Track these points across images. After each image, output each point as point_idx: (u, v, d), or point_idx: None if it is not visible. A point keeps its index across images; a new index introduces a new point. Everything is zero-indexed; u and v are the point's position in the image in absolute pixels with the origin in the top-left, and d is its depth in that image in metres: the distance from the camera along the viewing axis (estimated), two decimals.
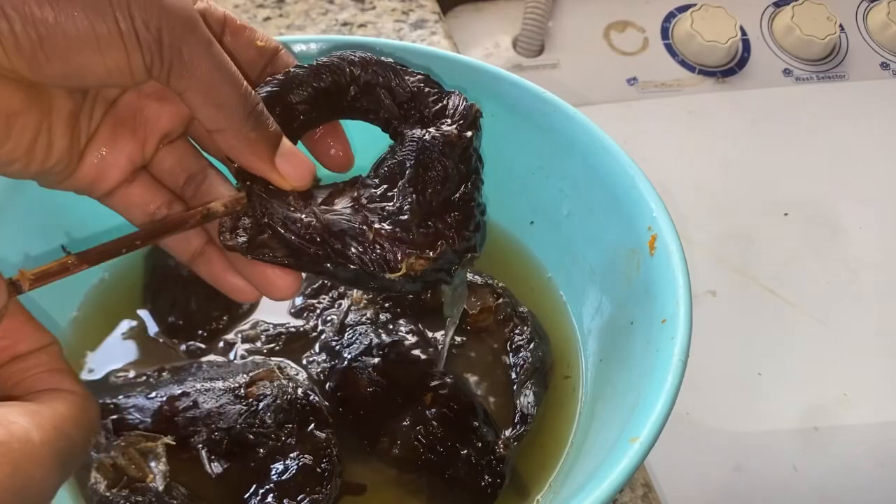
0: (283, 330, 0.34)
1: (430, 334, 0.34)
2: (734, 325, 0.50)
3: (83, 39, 0.21)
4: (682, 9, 0.61)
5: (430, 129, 0.28)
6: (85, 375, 0.33)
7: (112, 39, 0.22)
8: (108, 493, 0.27)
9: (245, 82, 0.25)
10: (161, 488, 0.27)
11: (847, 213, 0.55)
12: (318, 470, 0.28)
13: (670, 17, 0.61)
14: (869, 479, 0.47)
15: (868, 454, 0.47)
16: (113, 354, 0.34)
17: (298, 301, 0.36)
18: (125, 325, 0.35)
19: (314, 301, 0.36)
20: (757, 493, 0.46)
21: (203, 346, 0.34)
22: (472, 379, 0.34)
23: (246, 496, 0.28)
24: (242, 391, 0.29)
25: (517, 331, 0.34)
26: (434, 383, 0.31)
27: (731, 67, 0.60)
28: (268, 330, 0.34)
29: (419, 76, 0.29)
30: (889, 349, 0.50)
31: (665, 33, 0.61)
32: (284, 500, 0.27)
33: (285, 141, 0.26)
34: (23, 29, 0.21)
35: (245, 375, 0.30)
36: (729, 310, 0.50)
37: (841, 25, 0.60)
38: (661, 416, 0.26)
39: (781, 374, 0.48)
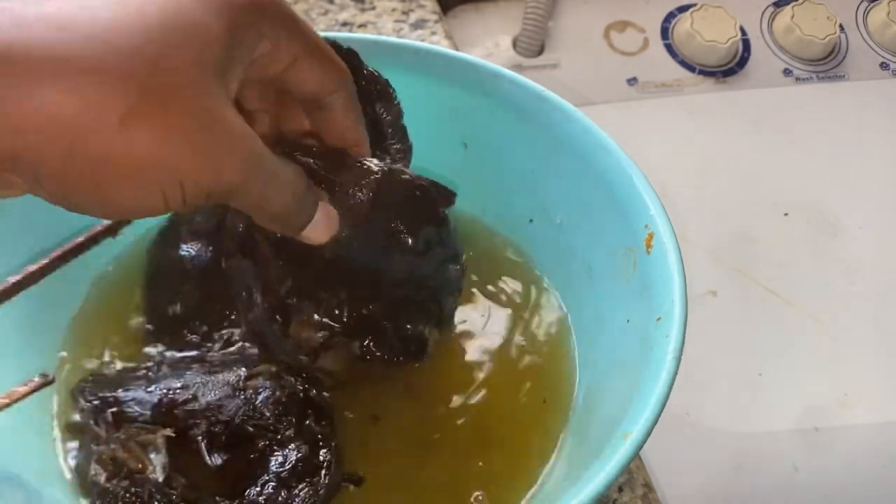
0: None
1: None
2: (734, 326, 0.50)
3: None
4: (683, 9, 0.61)
5: None
6: (89, 371, 0.33)
7: None
8: (108, 485, 0.27)
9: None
10: (161, 479, 0.27)
11: (847, 213, 0.55)
12: (317, 460, 0.28)
13: (670, 17, 0.61)
14: (870, 480, 0.47)
15: (869, 454, 0.47)
16: (114, 348, 0.35)
17: None
18: (127, 318, 0.36)
19: None
20: (757, 493, 0.46)
21: (203, 339, 0.34)
22: None
23: (245, 487, 0.28)
24: (241, 384, 0.30)
25: None
26: None
27: (731, 67, 0.60)
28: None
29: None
30: (889, 349, 0.50)
31: (665, 33, 0.61)
32: (283, 491, 0.27)
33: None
34: None
35: (244, 369, 0.31)
36: (729, 310, 0.50)
37: (841, 25, 0.60)
38: (654, 412, 0.26)
39: (782, 374, 0.48)
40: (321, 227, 0.27)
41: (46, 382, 0.27)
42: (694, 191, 0.54)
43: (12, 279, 0.26)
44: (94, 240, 0.28)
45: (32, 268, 0.27)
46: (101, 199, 0.20)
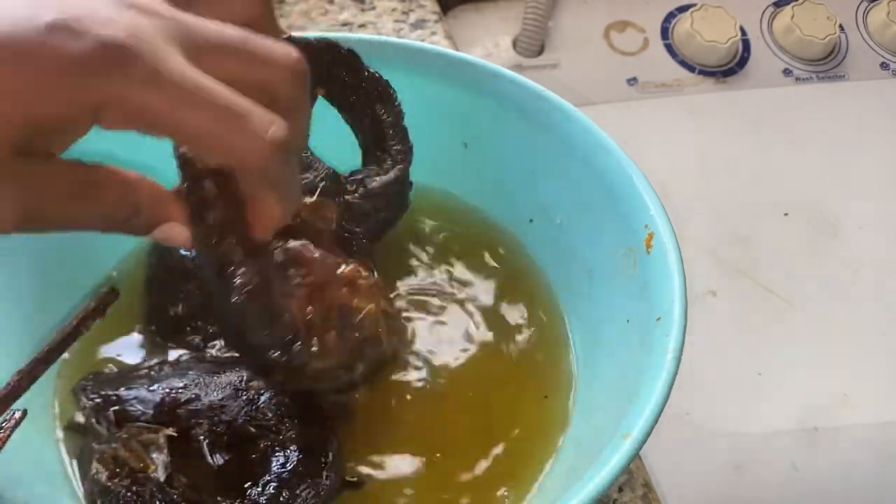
0: None
1: None
2: (734, 325, 0.50)
3: None
4: (682, 9, 0.61)
5: None
6: (90, 369, 0.33)
7: None
8: (109, 484, 0.27)
9: None
10: (162, 479, 0.27)
11: (847, 213, 0.55)
12: (319, 461, 0.28)
13: (670, 17, 0.61)
14: (869, 480, 0.47)
15: (868, 454, 0.47)
16: (116, 348, 0.35)
17: None
18: (129, 318, 0.36)
19: None
20: (757, 493, 0.46)
21: (205, 339, 0.34)
22: None
23: (247, 487, 0.28)
24: (243, 385, 0.30)
25: None
26: None
27: (731, 67, 0.60)
28: None
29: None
30: (889, 349, 0.50)
31: (665, 33, 0.61)
32: (284, 491, 0.27)
33: None
34: None
35: (246, 370, 0.31)
36: (729, 310, 0.50)
37: (841, 26, 0.60)
38: (654, 412, 0.27)
39: (781, 374, 0.48)
40: (166, 238, 0.25)
41: (20, 419, 0.26)
42: (693, 190, 0.54)
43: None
44: (84, 324, 0.26)
45: (13, 380, 0.26)
46: None
